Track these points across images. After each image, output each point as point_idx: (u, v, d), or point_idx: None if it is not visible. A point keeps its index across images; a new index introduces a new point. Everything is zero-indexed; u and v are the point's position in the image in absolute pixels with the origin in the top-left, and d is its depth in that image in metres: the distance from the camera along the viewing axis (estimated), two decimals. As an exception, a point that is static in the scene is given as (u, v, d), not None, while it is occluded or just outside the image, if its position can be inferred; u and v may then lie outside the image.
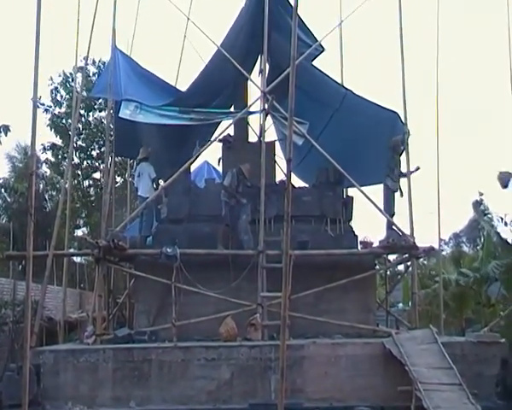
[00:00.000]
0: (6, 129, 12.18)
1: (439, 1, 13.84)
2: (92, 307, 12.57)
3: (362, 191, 12.69)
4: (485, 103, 51.89)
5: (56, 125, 22.55)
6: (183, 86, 14.89)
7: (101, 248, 11.60)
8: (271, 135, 14.92)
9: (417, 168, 12.94)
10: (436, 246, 14.08)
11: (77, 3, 13.49)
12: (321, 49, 14.25)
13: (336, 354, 10.51)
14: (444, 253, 23.04)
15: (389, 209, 13.01)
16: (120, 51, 13.69)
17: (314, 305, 12.21)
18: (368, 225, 15.50)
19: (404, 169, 13.00)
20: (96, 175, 23.86)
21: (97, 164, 23.35)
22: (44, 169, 24.66)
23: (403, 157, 13.12)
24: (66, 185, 15.47)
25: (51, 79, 22.84)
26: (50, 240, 12.48)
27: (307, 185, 15.46)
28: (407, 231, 12.57)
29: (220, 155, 14.43)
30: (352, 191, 14.52)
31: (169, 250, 11.74)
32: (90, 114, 23.10)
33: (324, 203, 13.58)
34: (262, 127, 13.37)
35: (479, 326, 14.82)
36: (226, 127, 13.60)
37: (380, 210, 12.71)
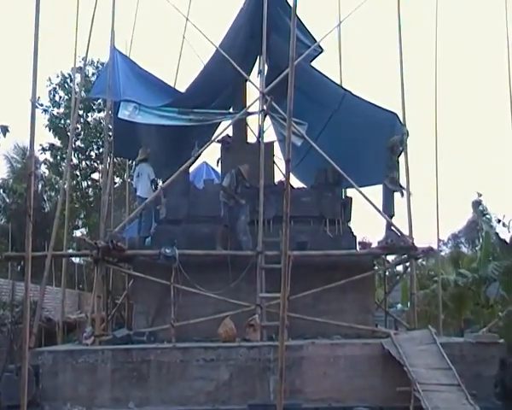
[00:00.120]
0: (4, 130, 12.16)
1: (437, 1, 13.88)
2: (91, 308, 12.56)
3: (361, 192, 12.71)
4: (484, 104, 51.96)
5: (55, 125, 22.54)
6: (181, 87, 14.92)
7: (99, 249, 11.59)
8: (270, 136, 14.92)
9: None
10: (435, 247, 14.11)
11: (75, 4, 13.53)
12: (320, 50, 14.26)
13: (335, 355, 10.50)
14: (442, 253, 23.02)
15: (388, 210, 13.01)
16: (119, 52, 13.70)
17: (313, 306, 12.21)
18: (367, 225, 15.53)
19: (403, 170, 13.02)
20: (95, 176, 23.92)
21: (96, 165, 23.37)
22: (43, 170, 24.67)
23: (401, 158, 13.14)
24: (65, 186, 15.48)
25: (49, 79, 22.87)
26: (49, 241, 12.48)
27: (306, 186, 15.46)
28: (406, 232, 12.58)
29: (219, 155, 14.43)
30: (350, 192, 14.54)
31: (168, 251, 11.73)
32: (89, 114, 23.11)
33: (323, 204, 13.59)
34: (261, 128, 13.37)
35: (477, 327, 14.83)
36: (225, 128, 13.61)
37: (378, 211, 12.72)
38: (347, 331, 11.94)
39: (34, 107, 6.73)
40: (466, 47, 56.61)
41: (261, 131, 13.26)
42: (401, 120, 13.13)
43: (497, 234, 15.56)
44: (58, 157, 23.16)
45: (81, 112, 21.68)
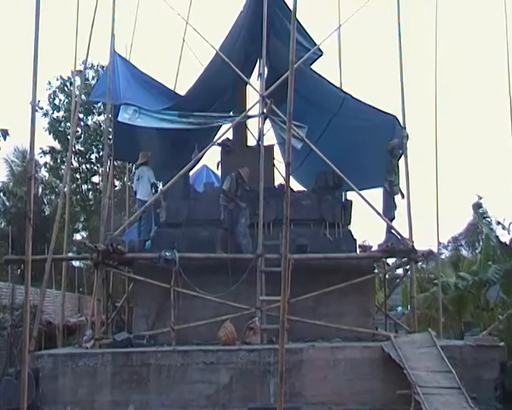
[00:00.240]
0: (5, 133, 12.15)
1: (437, 3, 13.91)
2: (91, 311, 12.58)
3: (361, 195, 12.71)
4: (484, 107, 52.03)
5: (55, 129, 22.54)
6: (181, 90, 14.93)
7: (99, 252, 11.58)
8: (270, 139, 14.95)
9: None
10: (435, 250, 14.10)
11: (76, 8, 13.56)
12: (319, 53, 14.25)
13: (335, 358, 10.50)
14: (442, 256, 23.00)
15: (388, 213, 13.02)
16: (119, 55, 13.71)
17: (313, 309, 12.20)
18: (367, 228, 15.53)
19: (403, 173, 13.02)
20: (95, 179, 23.88)
21: (96, 168, 23.36)
22: (43, 173, 24.66)
23: (401, 161, 13.15)
24: (65, 189, 15.48)
25: (49, 83, 22.88)
26: (49, 244, 12.48)
27: (306, 189, 15.46)
28: (406, 235, 12.58)
29: (219, 158, 14.44)
30: (350, 195, 14.54)
31: (168, 254, 11.73)
32: (89, 118, 23.12)
33: (323, 207, 13.59)
34: (261, 131, 13.40)
35: (477, 330, 14.79)
36: (225, 131, 13.63)
37: (378, 214, 12.72)
38: (347, 334, 11.95)
39: (34, 110, 6.74)
40: (466, 49, 56.68)
41: (261, 135, 13.27)
42: (401, 123, 13.14)
43: (497, 237, 15.55)
44: (58, 160, 23.16)
45: (81, 115, 21.67)
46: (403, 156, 13.13)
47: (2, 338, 14.18)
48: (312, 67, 14.09)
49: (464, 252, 30.19)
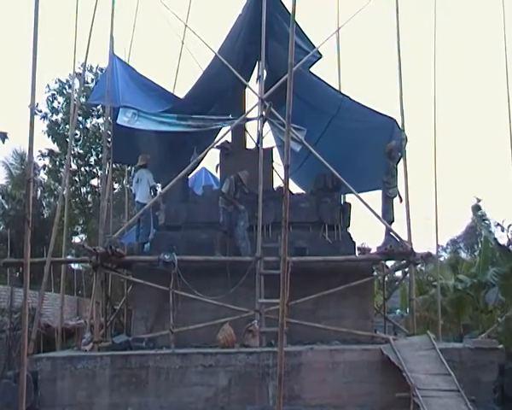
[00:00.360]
0: (3, 136, 12.15)
1: (435, 6, 13.92)
2: (90, 314, 12.55)
3: (359, 198, 12.70)
4: (483, 109, 51.99)
5: (54, 131, 22.54)
6: (180, 93, 14.93)
7: (98, 255, 11.57)
8: (269, 141, 14.95)
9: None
10: (434, 252, 14.11)
11: (75, 10, 13.57)
12: (318, 56, 14.28)
13: (334, 361, 10.50)
14: (441, 259, 23.03)
15: (387, 215, 13.02)
16: (118, 58, 13.71)
17: (312, 311, 12.20)
18: (366, 231, 15.52)
19: (402, 175, 13.05)
20: (94, 182, 23.92)
21: (95, 171, 23.37)
22: (42, 176, 24.66)
23: (400, 163, 13.15)
24: (64, 192, 15.49)
25: (48, 86, 22.89)
26: (48, 247, 12.47)
27: (305, 192, 15.47)
28: (405, 238, 12.58)
29: (218, 161, 14.45)
30: (349, 197, 14.54)
31: (167, 257, 11.73)
32: (88, 120, 23.13)
33: (322, 210, 13.58)
34: (260, 134, 13.41)
35: (476, 332, 14.80)
36: (224, 134, 13.63)
37: (377, 216, 12.71)
38: (346, 337, 11.94)
39: (33, 113, 6.74)
40: (465, 50, 56.76)
41: (260, 137, 13.28)
42: (400, 125, 13.15)
43: (496, 239, 15.55)
44: (57, 163, 23.18)
45: (80, 118, 21.70)
46: (402, 159, 13.13)
47: (1, 341, 14.15)
48: (311, 69, 14.12)
49: (463, 254, 30.29)
